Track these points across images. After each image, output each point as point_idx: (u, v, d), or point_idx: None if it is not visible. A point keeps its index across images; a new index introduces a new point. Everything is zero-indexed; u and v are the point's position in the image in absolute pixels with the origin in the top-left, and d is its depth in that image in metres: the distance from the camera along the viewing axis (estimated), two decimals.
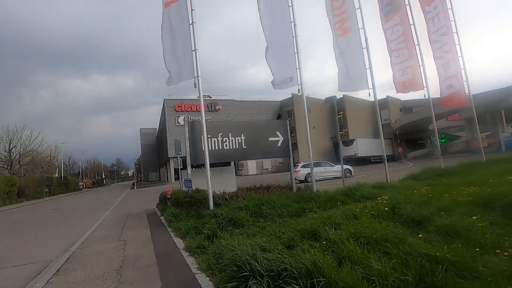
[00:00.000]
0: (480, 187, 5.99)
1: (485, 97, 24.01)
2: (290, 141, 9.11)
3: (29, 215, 15.10)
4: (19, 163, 37.04)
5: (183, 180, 9.31)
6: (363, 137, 39.12)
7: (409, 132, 41.16)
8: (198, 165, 9.00)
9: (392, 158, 37.70)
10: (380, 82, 68.95)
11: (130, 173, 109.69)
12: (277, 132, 8.91)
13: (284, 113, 42.73)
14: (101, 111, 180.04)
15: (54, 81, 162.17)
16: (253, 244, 3.40)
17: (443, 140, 34.24)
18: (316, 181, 8.47)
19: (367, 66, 10.13)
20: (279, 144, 8.88)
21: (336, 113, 10.89)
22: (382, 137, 10.57)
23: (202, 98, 7.61)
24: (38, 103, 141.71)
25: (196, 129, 7.78)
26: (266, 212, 6.14)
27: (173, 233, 6.32)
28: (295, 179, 17.78)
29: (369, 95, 10.19)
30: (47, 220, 11.95)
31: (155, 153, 59.61)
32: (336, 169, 18.68)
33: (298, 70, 8.61)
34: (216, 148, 7.95)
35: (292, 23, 8.68)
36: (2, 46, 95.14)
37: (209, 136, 7.69)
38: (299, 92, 8.75)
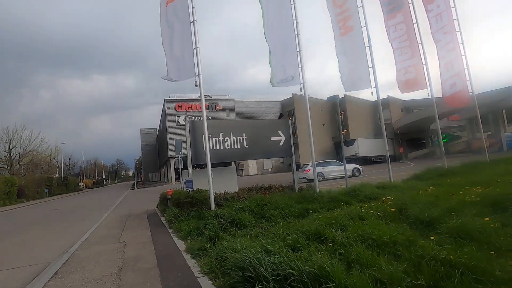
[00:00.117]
0: (487, 187, 5.87)
1: (486, 96, 23.86)
2: (292, 140, 9.00)
3: (29, 215, 14.99)
4: (19, 163, 36.97)
5: (183, 180, 9.18)
6: (364, 137, 38.99)
7: (410, 132, 41.01)
8: (199, 165, 8.89)
9: (393, 158, 37.47)
10: (381, 82, 67.89)
11: (130, 174, 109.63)
12: (279, 132, 8.80)
13: (285, 113, 42.59)
14: (101, 111, 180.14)
15: (54, 81, 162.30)
16: (258, 247, 3.28)
17: (444, 140, 34.01)
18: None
19: (370, 65, 10.02)
20: (281, 144, 8.76)
21: (339, 112, 10.77)
22: (385, 136, 10.44)
23: (203, 97, 7.49)
24: (38, 103, 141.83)
25: (197, 128, 7.66)
26: (268, 213, 6.02)
27: (174, 234, 6.20)
28: (305, 178, 18.00)
29: (372, 94, 10.07)
30: (46, 220, 11.84)
31: (156, 153, 59.50)
32: (346, 168, 18.49)
33: (300, 68, 8.50)
34: (218, 148, 7.84)
35: (294, 21, 8.57)
36: (2, 46, 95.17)
37: (210, 135, 7.57)
38: (301, 91, 8.64)
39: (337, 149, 41.88)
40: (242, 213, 5.93)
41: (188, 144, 7.58)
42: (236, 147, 8.08)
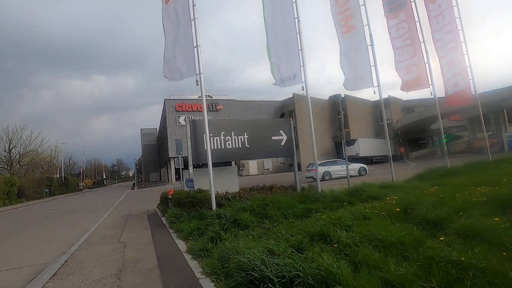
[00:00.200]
0: (493, 187, 5.78)
1: (487, 96, 23.73)
2: (294, 140, 8.91)
3: (28, 215, 14.91)
4: (19, 163, 36.90)
5: (184, 180, 9.10)
6: (365, 137, 38.90)
7: (411, 132, 40.92)
8: (200, 165, 8.81)
9: (394, 158, 37.15)
10: (381, 81, 68.36)
11: (130, 174, 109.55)
12: (281, 131, 8.72)
13: (286, 113, 42.53)
14: (101, 112, 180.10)
15: (55, 81, 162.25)
16: (262, 248, 3.19)
17: (446, 140, 33.91)
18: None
19: (372, 64, 9.94)
20: (282, 143, 8.69)
21: (341, 111, 10.71)
22: (388, 136, 10.36)
23: (204, 96, 7.40)
24: (39, 103, 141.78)
25: (198, 127, 7.58)
26: (270, 213, 5.94)
27: (175, 234, 6.11)
28: (312, 177, 17.96)
29: (374, 93, 10.00)
30: (46, 220, 11.76)
31: (156, 153, 59.43)
32: (353, 167, 18.71)
33: (302, 67, 8.42)
34: (219, 147, 7.75)
35: (296, 19, 8.49)
36: (3, 47, 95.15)
37: (211, 135, 7.50)
38: (303, 90, 8.56)
39: (337, 149, 41.80)
40: (244, 213, 5.85)
41: (189, 143, 7.49)
42: (237, 146, 8.00)
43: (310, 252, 3.17)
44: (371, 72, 9.93)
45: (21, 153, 36.90)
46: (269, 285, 2.48)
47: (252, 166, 41.01)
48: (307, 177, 17.57)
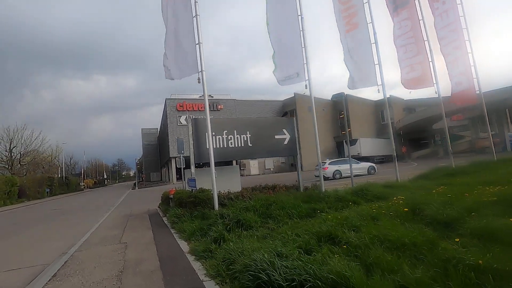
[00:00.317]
0: (502, 186, 5.64)
1: (489, 95, 23.54)
2: (297, 139, 8.80)
3: (29, 215, 14.82)
4: (20, 163, 36.84)
5: (186, 180, 8.99)
6: (366, 137, 38.75)
7: (412, 131, 40.72)
8: (201, 165, 8.69)
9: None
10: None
11: (131, 173, 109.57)
12: (284, 130, 8.60)
13: (287, 112, 42.41)
14: (102, 111, 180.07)
15: (56, 81, 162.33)
16: (268, 249, 3.07)
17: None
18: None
19: (376, 62, 9.81)
20: (285, 142, 8.57)
21: (345, 110, 10.58)
22: (392, 136, 10.24)
23: (206, 94, 7.28)
24: (40, 103, 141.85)
25: (200, 126, 7.46)
26: (274, 213, 5.81)
27: (177, 235, 6.00)
28: (324, 176, 17.82)
29: (378, 92, 9.88)
30: (47, 220, 11.66)
31: (157, 153, 59.36)
32: (362, 166, 18.73)
33: (305, 65, 8.30)
34: (221, 146, 7.63)
35: (300, 17, 8.37)
36: (3, 47, 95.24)
37: (213, 133, 7.38)
38: (306, 88, 8.43)
39: (339, 149, 41.64)
40: (247, 213, 5.72)
41: (191, 142, 7.38)
42: (240, 145, 7.88)
43: (319, 253, 3.05)
44: (375, 70, 9.80)
45: (22, 152, 36.86)
46: None
47: (253, 165, 40.89)
48: (316, 176, 17.55)
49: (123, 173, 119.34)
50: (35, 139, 38.16)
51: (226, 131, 7.81)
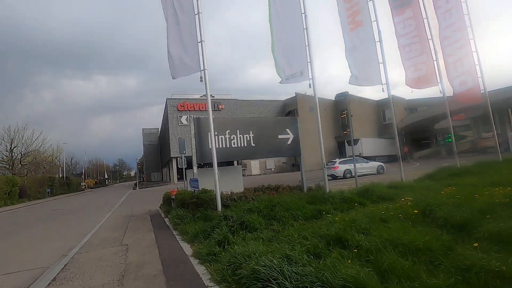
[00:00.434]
0: None
1: (492, 95, 23.35)
2: (300, 139, 8.66)
3: (30, 215, 14.72)
4: (20, 163, 36.76)
5: (188, 180, 8.87)
6: (367, 137, 38.58)
7: (414, 131, 40.57)
8: (202, 165, 8.56)
9: (397, 158, 37.04)
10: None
11: (132, 174, 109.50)
12: (287, 130, 8.47)
13: (288, 113, 42.26)
14: (103, 112, 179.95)
15: (56, 81, 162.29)
16: (277, 253, 2.94)
17: (449, 140, 33.63)
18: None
19: (380, 61, 9.68)
20: (289, 142, 8.44)
21: (349, 109, 10.46)
22: (397, 135, 10.11)
23: (208, 93, 7.15)
24: (40, 103, 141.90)
25: (202, 126, 7.33)
26: (279, 214, 5.68)
27: (179, 237, 5.87)
28: (334, 175, 17.84)
29: (383, 91, 9.75)
30: (47, 221, 11.55)
31: (158, 153, 59.28)
32: (372, 165, 18.69)
33: (309, 63, 8.16)
34: (224, 146, 7.51)
35: (303, 15, 8.24)
36: (3, 47, 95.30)
37: (216, 133, 7.25)
38: (310, 87, 8.31)
39: (340, 149, 41.46)
40: (251, 214, 5.59)
41: (193, 142, 7.25)
42: (243, 145, 7.75)
43: (329, 258, 2.92)
44: (379, 69, 9.67)
45: (22, 152, 36.76)
46: None
47: (254, 166, 40.77)
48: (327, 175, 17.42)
49: (124, 173, 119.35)
50: (35, 139, 38.12)
51: (228, 131, 7.68)
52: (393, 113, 10.42)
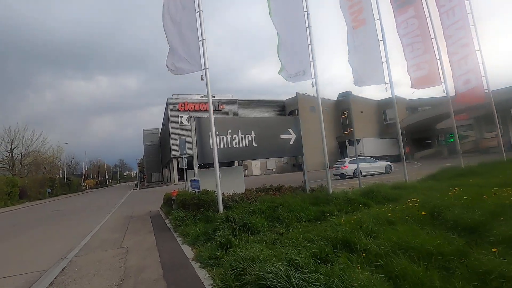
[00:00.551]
0: None
1: (494, 94, 23.20)
2: (302, 138, 8.55)
3: (29, 216, 14.62)
4: (21, 163, 36.68)
5: (189, 181, 8.75)
6: (368, 137, 38.43)
7: (415, 131, 40.39)
8: (202, 165, 8.44)
9: (399, 158, 36.93)
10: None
11: (133, 174, 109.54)
12: (290, 130, 8.35)
13: (288, 113, 42.14)
14: (103, 112, 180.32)
15: (56, 82, 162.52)
16: (282, 258, 2.81)
17: (451, 140, 33.48)
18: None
19: (384, 60, 9.56)
20: (291, 142, 8.31)
21: (351, 108, 10.36)
22: (400, 136, 9.99)
23: (210, 93, 7.03)
24: (41, 104, 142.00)
25: (203, 126, 7.21)
26: (282, 216, 5.55)
27: (180, 239, 5.75)
28: (343, 174, 17.78)
29: (386, 90, 9.64)
30: (46, 222, 11.44)
31: (158, 153, 59.20)
32: (380, 165, 18.62)
33: (311, 62, 8.05)
34: (225, 146, 7.38)
35: (306, 13, 8.12)
36: (4, 47, 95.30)
37: (217, 133, 7.13)
38: (312, 86, 8.20)
39: (341, 149, 41.33)
40: (254, 216, 5.46)
41: (194, 142, 7.13)
42: (244, 145, 7.63)
43: (336, 263, 2.80)
44: (383, 68, 9.55)
45: (23, 153, 36.69)
46: None
47: (255, 166, 40.67)
48: (335, 175, 17.42)
49: (125, 174, 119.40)
50: (36, 140, 38.03)
51: (230, 131, 7.56)
52: (396, 113, 10.27)
